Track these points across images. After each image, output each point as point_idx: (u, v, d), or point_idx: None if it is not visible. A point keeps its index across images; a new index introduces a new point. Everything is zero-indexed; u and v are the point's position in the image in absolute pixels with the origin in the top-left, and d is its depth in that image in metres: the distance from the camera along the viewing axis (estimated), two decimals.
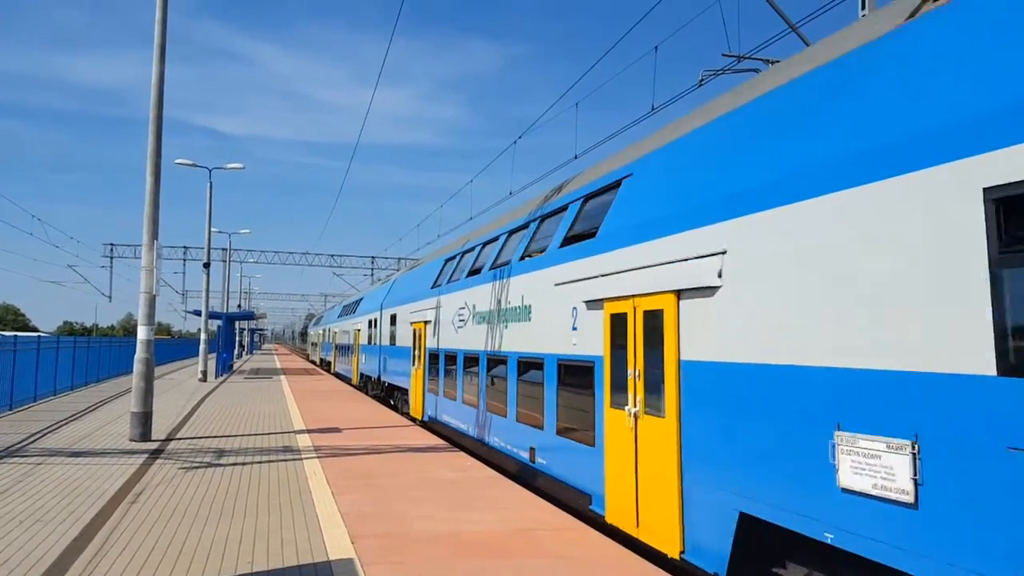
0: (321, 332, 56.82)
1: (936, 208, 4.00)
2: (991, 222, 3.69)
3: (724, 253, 5.85)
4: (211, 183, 32.79)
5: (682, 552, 6.26)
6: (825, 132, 5.05)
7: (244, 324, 67.39)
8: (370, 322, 27.70)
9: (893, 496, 4.15)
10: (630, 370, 7.25)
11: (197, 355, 36.94)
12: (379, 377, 24.86)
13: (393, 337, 22.22)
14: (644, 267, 7.10)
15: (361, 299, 34.24)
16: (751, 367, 5.45)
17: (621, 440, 7.39)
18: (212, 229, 33.80)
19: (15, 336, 20.40)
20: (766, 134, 5.81)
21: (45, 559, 6.24)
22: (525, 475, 10.41)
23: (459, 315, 14.23)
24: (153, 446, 12.78)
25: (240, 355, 65.88)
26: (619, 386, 7.48)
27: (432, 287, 17.20)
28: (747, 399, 5.47)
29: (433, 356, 16.40)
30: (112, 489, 9.09)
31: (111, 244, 56.75)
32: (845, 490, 4.49)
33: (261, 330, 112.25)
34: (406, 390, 20.02)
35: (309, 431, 15.12)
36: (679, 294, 6.47)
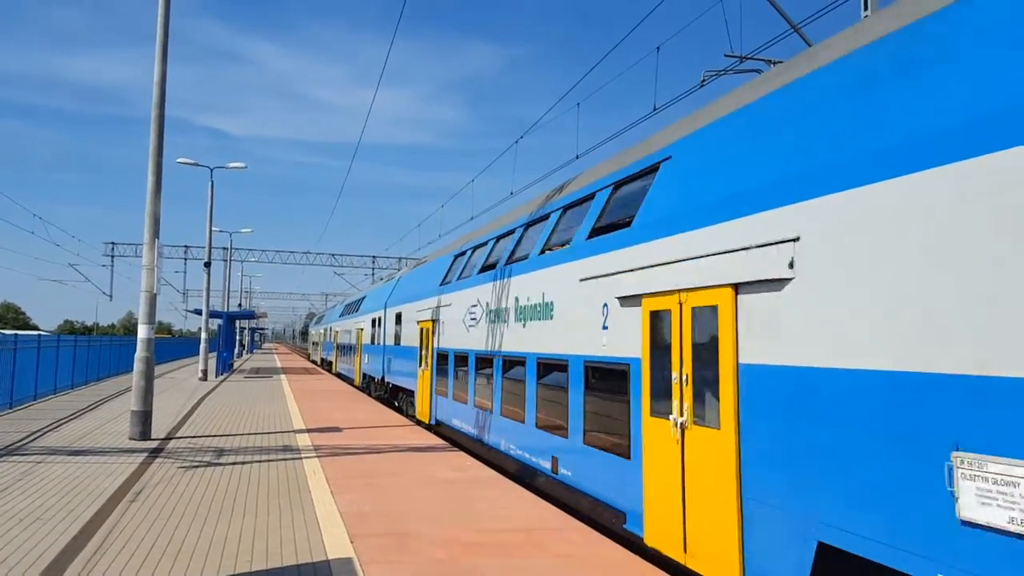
0: (322, 331, 56.53)
1: None
2: None
3: (796, 240, 5.07)
4: (212, 182, 32.85)
5: None
6: (954, 85, 4.04)
7: (245, 323, 67.47)
8: (374, 321, 27.07)
9: None
10: (675, 374, 6.45)
11: (197, 354, 36.98)
12: (383, 378, 24.35)
13: (398, 337, 21.63)
14: (692, 258, 6.29)
15: (364, 297, 33.75)
16: (836, 372, 4.66)
17: (664, 453, 6.60)
18: (213, 228, 33.81)
19: (16, 335, 20.45)
20: (866, 95, 4.81)
21: (44, 557, 6.24)
22: (546, 487, 9.68)
23: (471, 313, 13.53)
24: (153, 445, 12.78)
25: (240, 354, 65.89)
26: (661, 392, 6.70)
27: (441, 284, 16.50)
28: (830, 409, 4.69)
29: (442, 356, 15.71)
30: (112, 488, 9.09)
31: (112, 243, 56.77)
32: (967, 523, 3.72)
33: (262, 329, 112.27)
34: (412, 392, 19.33)
35: (309, 431, 15.11)
36: (737, 288, 5.70)
